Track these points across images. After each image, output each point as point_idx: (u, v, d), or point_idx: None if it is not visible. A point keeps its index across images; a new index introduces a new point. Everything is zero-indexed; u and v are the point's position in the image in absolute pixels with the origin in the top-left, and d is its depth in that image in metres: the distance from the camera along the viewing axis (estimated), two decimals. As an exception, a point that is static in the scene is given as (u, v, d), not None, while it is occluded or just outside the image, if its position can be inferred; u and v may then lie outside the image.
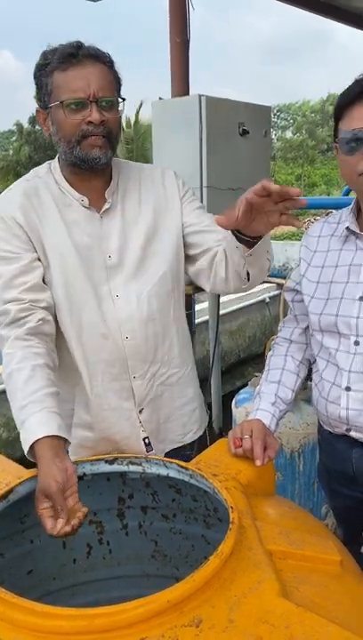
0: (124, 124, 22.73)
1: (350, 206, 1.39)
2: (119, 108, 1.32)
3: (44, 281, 1.36)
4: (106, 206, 1.39)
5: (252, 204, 1.10)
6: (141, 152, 20.84)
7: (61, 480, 1.07)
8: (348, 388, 1.33)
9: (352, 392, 1.33)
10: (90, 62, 1.26)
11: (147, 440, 1.48)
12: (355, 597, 0.91)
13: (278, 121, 44.98)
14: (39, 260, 1.36)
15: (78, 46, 1.27)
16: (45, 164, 1.45)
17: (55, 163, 1.42)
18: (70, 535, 1.05)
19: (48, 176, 1.41)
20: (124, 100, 1.34)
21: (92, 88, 1.25)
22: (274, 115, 44.10)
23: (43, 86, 1.30)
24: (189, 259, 1.50)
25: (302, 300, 1.46)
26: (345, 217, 1.39)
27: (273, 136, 41.35)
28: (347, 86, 1.27)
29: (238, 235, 1.24)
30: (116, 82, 1.32)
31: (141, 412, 1.46)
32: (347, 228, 1.36)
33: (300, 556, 0.94)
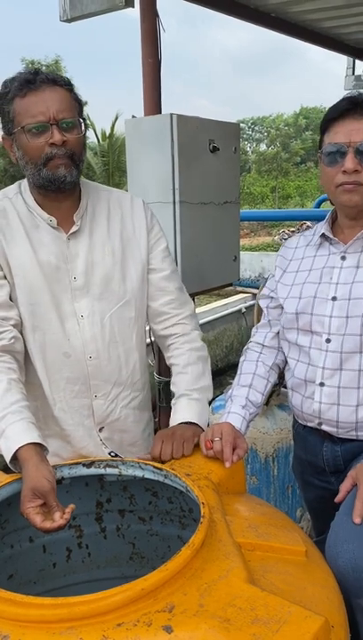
0: (100, 137, 22.86)
1: (327, 217, 1.49)
2: (81, 129, 1.36)
3: (10, 299, 1.40)
4: (74, 229, 1.43)
5: None
6: (117, 165, 20.88)
7: (52, 479, 1.13)
8: (322, 384, 1.42)
9: (325, 387, 1.41)
10: (48, 87, 1.31)
11: (113, 454, 1.52)
12: (318, 584, 0.98)
13: (253, 134, 45.63)
14: (5, 278, 1.40)
15: (36, 72, 1.33)
16: (15, 185, 1.48)
17: (25, 183, 1.46)
18: (61, 529, 1.10)
19: (17, 197, 1.45)
20: (85, 120, 1.39)
21: (51, 111, 1.30)
22: (248, 127, 44.71)
23: (5, 114, 1.35)
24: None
25: (277, 307, 1.54)
26: (321, 227, 1.48)
27: (248, 149, 41.87)
28: (337, 101, 1.36)
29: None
30: (76, 103, 1.37)
31: (100, 430, 1.52)
32: (322, 234, 1.45)
33: (267, 547, 1.00)
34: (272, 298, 1.58)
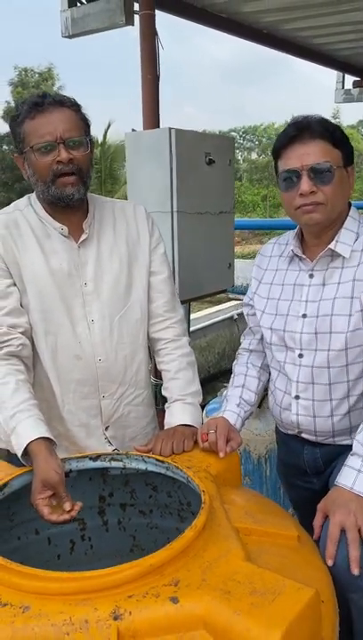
0: (92, 145, 22.94)
1: (296, 230, 1.54)
2: (88, 147, 1.44)
3: (21, 305, 1.48)
4: (83, 237, 1.52)
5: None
6: (110, 172, 20.98)
7: (61, 471, 1.21)
8: (297, 397, 1.50)
9: (301, 400, 1.49)
10: (55, 108, 1.41)
11: (116, 451, 1.57)
12: (310, 566, 1.06)
13: (244, 142, 45.98)
14: (15, 285, 1.47)
15: (43, 95, 1.43)
16: (25, 198, 1.57)
17: (34, 196, 1.55)
18: (67, 523, 1.18)
19: (28, 209, 1.53)
20: (91, 139, 1.47)
21: (58, 131, 1.39)
22: (240, 136, 45.03)
23: (17, 135, 1.45)
24: None
25: (255, 314, 1.62)
26: (291, 240, 1.54)
27: (239, 157, 42.11)
28: (284, 128, 1.44)
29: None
30: (83, 123, 1.46)
31: (106, 428, 1.60)
32: (292, 250, 1.52)
33: (262, 532, 1.09)
34: (251, 306, 1.64)
